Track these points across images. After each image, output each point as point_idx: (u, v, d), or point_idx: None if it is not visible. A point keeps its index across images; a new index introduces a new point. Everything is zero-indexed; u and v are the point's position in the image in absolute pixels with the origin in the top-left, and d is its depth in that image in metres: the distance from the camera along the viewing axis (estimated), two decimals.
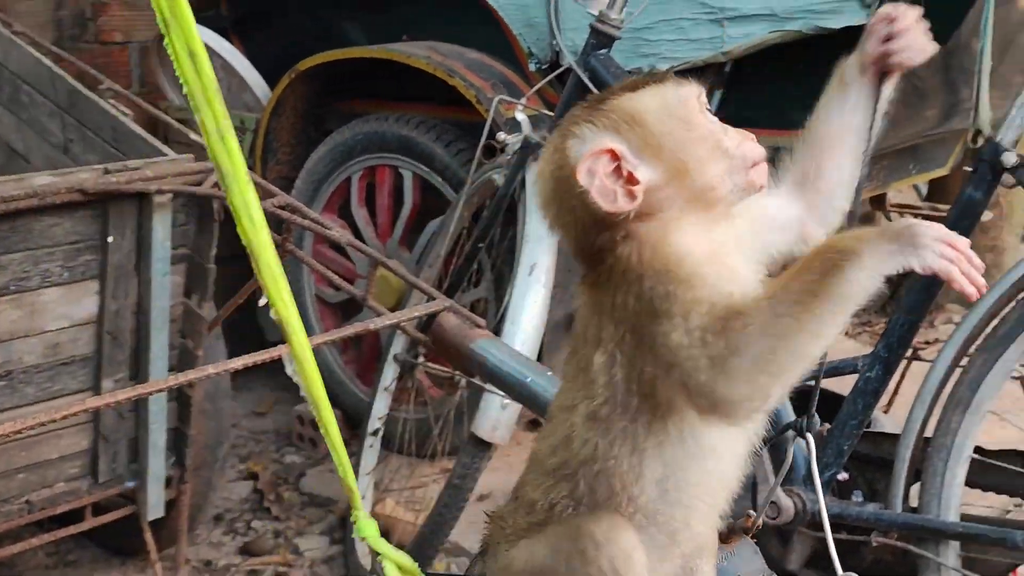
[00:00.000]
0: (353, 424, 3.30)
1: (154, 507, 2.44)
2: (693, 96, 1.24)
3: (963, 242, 1.15)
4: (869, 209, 3.65)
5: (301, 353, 0.96)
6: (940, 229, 1.14)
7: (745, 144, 1.24)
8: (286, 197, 2.19)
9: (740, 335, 1.11)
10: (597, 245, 1.21)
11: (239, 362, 1.71)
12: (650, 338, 1.15)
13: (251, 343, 2.19)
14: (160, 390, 1.59)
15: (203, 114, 0.85)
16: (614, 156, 1.18)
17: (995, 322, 2.02)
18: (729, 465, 1.30)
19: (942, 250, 1.13)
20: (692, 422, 1.22)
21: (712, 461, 1.27)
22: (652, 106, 1.21)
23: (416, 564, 1.03)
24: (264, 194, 2.27)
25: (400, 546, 1.69)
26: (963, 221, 2.00)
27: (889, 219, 4.23)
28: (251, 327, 3.45)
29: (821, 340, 1.13)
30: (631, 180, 1.18)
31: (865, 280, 1.11)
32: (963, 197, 2.01)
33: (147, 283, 2.26)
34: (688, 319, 1.13)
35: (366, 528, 1.01)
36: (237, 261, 3.66)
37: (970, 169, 2.02)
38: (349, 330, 1.84)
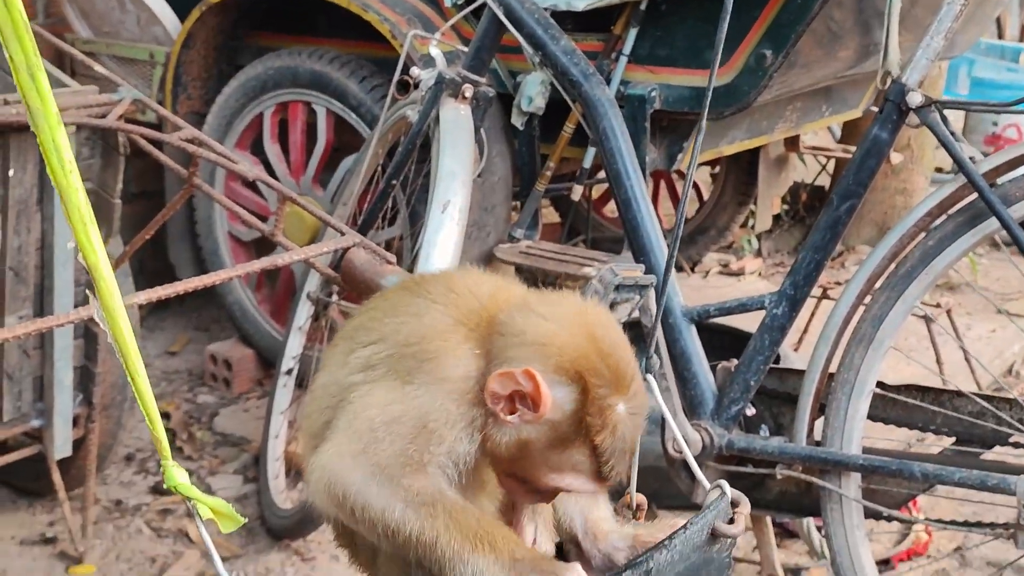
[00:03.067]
0: (267, 363, 3.28)
1: (61, 446, 2.40)
2: None
3: None
4: (783, 151, 3.68)
5: (108, 300, 0.94)
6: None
7: None
8: (193, 131, 2.14)
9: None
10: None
11: (143, 296, 1.68)
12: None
13: (163, 280, 2.16)
14: (62, 324, 1.56)
15: (11, 49, 0.82)
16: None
17: (897, 260, 2.05)
18: None
19: None
20: None
21: None
22: None
23: (230, 507, 1.04)
24: (172, 128, 2.22)
25: None
26: (869, 161, 2.03)
27: (803, 161, 4.28)
28: (162, 264, 3.40)
29: (377, 529, 1.16)
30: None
31: (468, 573, 1.13)
32: (869, 137, 2.04)
33: (50, 218, 2.21)
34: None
35: (173, 477, 1.01)
36: (146, 197, 3.60)
37: (876, 109, 2.04)
38: (256, 264, 1.81)
